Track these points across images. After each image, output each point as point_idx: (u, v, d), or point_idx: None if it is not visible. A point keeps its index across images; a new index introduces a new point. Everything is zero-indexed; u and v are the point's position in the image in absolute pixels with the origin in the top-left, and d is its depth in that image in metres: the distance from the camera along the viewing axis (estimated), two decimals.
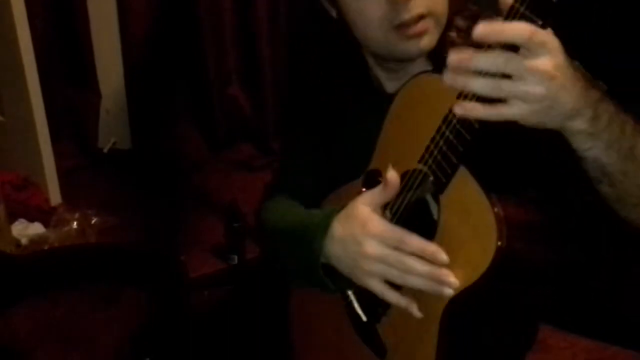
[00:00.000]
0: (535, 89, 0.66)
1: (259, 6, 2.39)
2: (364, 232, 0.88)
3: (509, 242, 0.75)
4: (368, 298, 0.96)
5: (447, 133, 0.77)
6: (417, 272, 0.83)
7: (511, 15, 0.66)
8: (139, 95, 2.47)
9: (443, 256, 0.81)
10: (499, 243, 0.75)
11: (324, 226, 0.94)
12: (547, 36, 0.66)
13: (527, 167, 0.83)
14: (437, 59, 0.96)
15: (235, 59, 2.47)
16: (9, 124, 2.19)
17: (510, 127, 0.74)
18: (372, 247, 0.87)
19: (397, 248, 0.85)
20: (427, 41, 0.92)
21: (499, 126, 0.71)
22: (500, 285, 0.79)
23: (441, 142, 0.78)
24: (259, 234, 1.25)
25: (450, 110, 0.75)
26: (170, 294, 1.75)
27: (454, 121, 0.76)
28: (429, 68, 0.97)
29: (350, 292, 1.01)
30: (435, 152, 0.80)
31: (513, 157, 0.80)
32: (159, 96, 2.46)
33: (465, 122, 0.74)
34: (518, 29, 0.64)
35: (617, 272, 1.25)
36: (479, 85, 0.67)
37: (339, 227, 0.92)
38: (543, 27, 0.65)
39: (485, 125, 0.72)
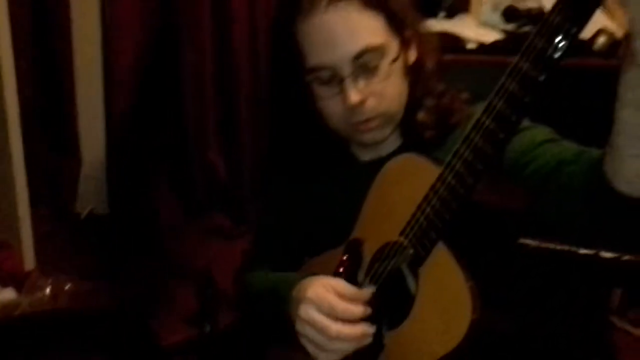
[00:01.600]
0: None
1: (241, 70, 2.49)
2: (304, 295, 0.95)
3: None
4: None
5: (428, 210, 0.84)
6: (343, 338, 0.91)
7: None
8: (119, 162, 2.51)
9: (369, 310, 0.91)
10: (473, 315, 0.80)
11: (293, 282, 1.01)
12: None
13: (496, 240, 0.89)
14: (407, 134, 1.07)
15: (214, 125, 2.55)
16: None
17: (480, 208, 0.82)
18: (304, 311, 0.94)
19: (329, 315, 0.92)
20: (380, 134, 1.05)
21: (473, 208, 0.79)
22: (474, 355, 0.85)
23: (422, 218, 0.85)
24: (238, 299, 1.30)
25: (432, 189, 0.83)
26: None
27: (434, 200, 0.83)
28: (400, 141, 1.08)
29: None
30: (416, 227, 0.87)
31: (485, 234, 0.87)
32: (139, 162, 2.51)
33: (445, 203, 0.81)
34: None
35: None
36: None
37: (298, 289, 0.99)
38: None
39: (463, 205, 0.80)
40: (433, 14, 2.06)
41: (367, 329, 0.93)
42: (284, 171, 1.22)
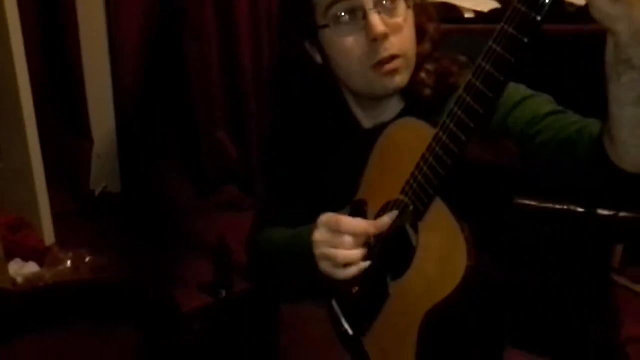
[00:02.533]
0: None
1: (244, 54, 2.54)
2: (316, 224, 1.04)
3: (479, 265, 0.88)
4: (353, 312, 1.09)
5: (425, 168, 0.91)
6: (347, 247, 0.99)
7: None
8: (129, 141, 2.58)
9: (372, 229, 0.99)
10: (469, 262, 0.87)
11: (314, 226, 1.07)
12: None
13: (491, 195, 0.96)
14: (409, 97, 1.11)
15: (222, 104, 2.61)
16: (7, 169, 2.29)
17: (478, 165, 0.89)
18: (317, 234, 1.03)
19: (336, 231, 1.01)
20: (400, 79, 1.07)
21: (468, 165, 0.85)
22: (471, 303, 0.92)
23: (419, 176, 0.92)
24: (250, 261, 1.34)
25: (428, 149, 0.90)
26: (163, 328, 1.83)
27: (430, 159, 0.90)
28: (402, 105, 1.13)
29: (335, 304, 1.13)
30: (415, 185, 0.93)
31: (480, 189, 0.94)
32: (149, 142, 2.58)
33: (440, 160, 0.88)
34: None
35: (580, 295, 1.37)
36: None
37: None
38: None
39: (457, 162, 0.86)
40: None
41: (369, 227, 1.00)
42: (289, 139, 1.26)
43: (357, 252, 1.01)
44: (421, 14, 1.11)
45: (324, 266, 1.03)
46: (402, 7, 1.05)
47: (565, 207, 1.29)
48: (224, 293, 2.07)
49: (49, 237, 2.24)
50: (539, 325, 1.27)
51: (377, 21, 1.01)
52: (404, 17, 1.05)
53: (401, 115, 1.11)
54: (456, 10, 1.96)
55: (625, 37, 0.72)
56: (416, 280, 0.96)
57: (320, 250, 1.03)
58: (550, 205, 1.30)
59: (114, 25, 2.47)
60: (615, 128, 0.79)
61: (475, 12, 1.95)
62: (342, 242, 1.00)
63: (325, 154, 1.21)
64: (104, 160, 2.60)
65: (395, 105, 1.13)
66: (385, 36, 1.02)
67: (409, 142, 0.98)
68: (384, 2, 1.03)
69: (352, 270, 1.02)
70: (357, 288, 1.08)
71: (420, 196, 0.93)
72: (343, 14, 1.04)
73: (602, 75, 0.78)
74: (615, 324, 1.47)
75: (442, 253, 0.91)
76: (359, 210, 1.08)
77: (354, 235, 1.00)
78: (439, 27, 1.14)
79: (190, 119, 2.59)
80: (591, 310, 1.37)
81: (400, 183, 0.97)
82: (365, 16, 1.02)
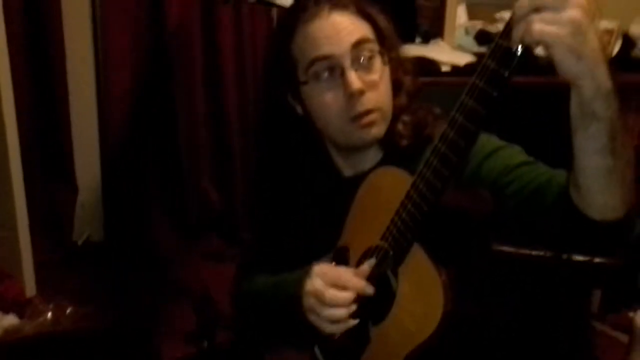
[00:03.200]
0: (574, 12, 0.73)
1: (230, 105, 2.61)
2: (311, 274, 1.05)
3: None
4: (335, 357, 1.10)
5: (404, 215, 0.94)
6: (337, 303, 1.01)
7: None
8: (114, 190, 2.60)
9: (369, 290, 1.01)
10: (445, 308, 0.90)
11: (304, 274, 1.08)
12: None
13: (467, 240, 0.99)
14: (387, 147, 1.15)
15: (207, 154, 2.65)
16: None
17: (454, 212, 0.92)
18: (310, 284, 1.04)
19: (333, 284, 1.02)
20: (376, 131, 1.11)
21: (444, 211, 0.89)
22: (450, 345, 0.94)
23: (399, 223, 0.95)
24: (234, 307, 1.36)
25: (406, 196, 0.93)
26: None
27: (409, 205, 0.93)
28: (381, 155, 1.16)
29: (317, 351, 1.14)
30: (394, 231, 0.96)
31: (456, 234, 0.97)
32: (134, 189, 2.59)
33: (417, 206, 0.92)
34: None
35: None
36: None
37: (306, 271, 1.08)
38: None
39: (434, 208, 0.90)
40: (410, 40, 2.18)
41: (367, 287, 1.02)
42: (272, 187, 1.29)
43: (345, 312, 1.02)
44: (398, 67, 1.16)
45: (312, 318, 1.05)
46: (378, 64, 1.10)
47: (541, 253, 1.32)
48: (206, 343, 2.06)
49: (30, 288, 2.22)
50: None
51: (353, 78, 1.06)
52: (379, 73, 1.10)
53: (380, 164, 1.14)
54: (434, 64, 2.04)
55: (589, 92, 0.76)
56: (396, 325, 0.98)
57: (310, 303, 1.04)
58: (526, 252, 1.34)
59: (103, 73, 2.52)
60: (581, 177, 0.83)
61: (452, 65, 2.02)
62: (334, 298, 1.02)
63: (307, 201, 1.24)
64: (87, 209, 2.60)
65: (374, 155, 1.17)
66: (361, 92, 1.07)
67: (388, 189, 1.01)
68: (361, 60, 1.08)
69: (340, 327, 1.04)
70: (338, 334, 1.10)
71: (400, 242, 0.96)
72: (323, 71, 1.09)
73: (568, 127, 0.82)
74: None
75: (420, 298, 0.93)
76: (341, 257, 1.10)
77: (347, 288, 1.02)
78: (416, 80, 1.19)
79: (176, 168, 2.62)
80: (570, 355, 1.39)
81: (381, 229, 1.00)
82: (343, 73, 1.07)
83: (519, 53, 0.78)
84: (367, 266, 1.02)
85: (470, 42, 2.28)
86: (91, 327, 2.07)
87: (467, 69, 1.99)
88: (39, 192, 2.47)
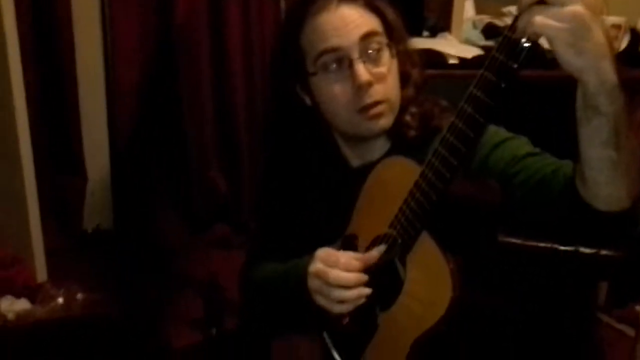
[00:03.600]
0: (577, 7, 0.74)
1: (237, 94, 2.62)
2: (314, 258, 1.08)
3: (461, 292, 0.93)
4: (344, 343, 1.13)
5: (412, 204, 0.96)
6: (341, 283, 1.03)
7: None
8: (123, 179, 2.62)
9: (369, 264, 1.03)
10: (453, 293, 0.92)
11: (309, 260, 1.11)
12: None
13: (475, 229, 1.01)
14: (394, 138, 1.18)
15: (214, 143, 2.67)
16: (1, 205, 2.31)
17: (462, 201, 0.95)
18: (313, 267, 1.07)
19: (334, 266, 1.05)
20: (384, 122, 1.13)
21: (452, 200, 0.91)
22: (456, 332, 0.97)
23: (407, 211, 0.98)
24: (243, 296, 1.39)
25: (415, 185, 0.95)
26: None
27: (417, 194, 0.96)
28: (388, 145, 1.19)
29: (326, 336, 1.16)
30: (403, 219, 0.99)
31: (464, 223, 0.99)
32: (143, 180, 2.62)
33: (426, 195, 0.94)
34: None
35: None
36: None
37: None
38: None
39: (442, 197, 0.92)
40: (417, 33, 2.19)
41: (362, 275, 1.04)
42: (280, 177, 1.31)
43: (353, 292, 1.04)
44: (406, 59, 1.18)
45: (319, 300, 1.07)
46: (386, 56, 1.12)
47: (548, 245, 1.34)
48: (214, 330, 2.09)
49: (41, 273, 2.25)
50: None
51: (362, 70, 1.09)
52: (387, 66, 1.12)
53: (388, 154, 1.17)
54: (441, 57, 2.05)
55: (592, 87, 0.77)
56: (403, 311, 1.01)
57: (315, 284, 1.07)
58: (533, 243, 1.36)
59: (111, 65, 2.53)
60: (586, 168, 0.85)
61: (459, 58, 2.03)
62: (338, 278, 1.04)
63: (315, 191, 1.26)
64: (97, 198, 2.63)
65: (381, 146, 1.19)
66: (369, 84, 1.09)
67: (397, 178, 1.04)
68: (369, 52, 1.10)
69: (346, 307, 1.06)
70: (347, 319, 1.12)
71: (408, 230, 0.98)
72: (331, 63, 1.11)
73: (574, 118, 0.83)
74: None
75: (429, 284, 0.96)
76: (349, 244, 1.13)
77: (353, 271, 1.04)
78: (423, 72, 1.21)
79: (183, 157, 2.64)
80: (576, 347, 1.41)
81: (389, 217, 1.03)
82: (351, 65, 1.09)
83: (525, 45, 0.80)
84: (376, 252, 1.05)
85: (477, 36, 2.30)
86: (101, 313, 2.10)
87: (475, 62, 2.01)
88: (50, 180, 2.49)
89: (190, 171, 2.66)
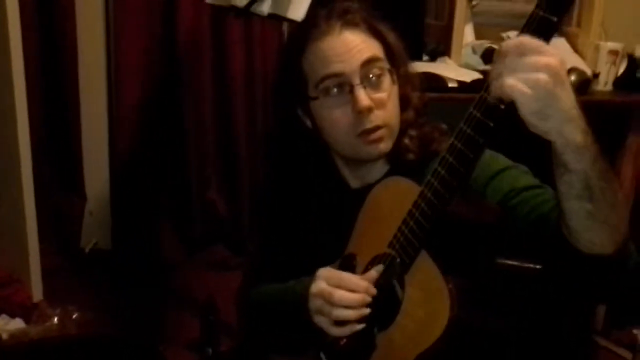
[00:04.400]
0: (541, 76, 0.77)
1: (238, 115, 2.63)
2: (315, 278, 1.07)
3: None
4: None
5: (411, 223, 0.97)
6: (343, 303, 1.02)
7: (531, 20, 0.81)
8: (122, 199, 2.62)
9: (372, 290, 1.03)
10: (451, 313, 0.92)
11: (310, 281, 1.10)
12: (556, 50, 0.79)
13: (473, 250, 1.01)
14: (393, 160, 1.18)
15: (214, 164, 2.68)
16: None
17: (461, 222, 0.95)
18: (315, 286, 1.06)
19: (337, 286, 1.04)
20: (384, 146, 1.14)
21: (451, 221, 0.92)
22: (455, 351, 0.96)
23: (406, 231, 0.98)
24: (241, 314, 1.38)
25: (414, 205, 0.96)
26: None
27: (417, 214, 0.96)
28: (387, 167, 1.19)
29: (323, 357, 1.15)
30: (402, 239, 0.99)
31: (462, 243, 0.99)
32: (142, 199, 2.62)
33: (425, 215, 0.94)
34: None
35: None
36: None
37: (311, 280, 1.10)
38: (558, 24, 0.80)
39: (441, 217, 0.93)
40: (417, 57, 2.21)
41: (366, 296, 1.03)
42: (279, 197, 1.31)
43: (354, 312, 1.04)
44: (406, 83, 1.19)
45: (319, 320, 1.07)
46: (386, 82, 1.13)
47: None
48: (210, 351, 2.07)
49: (37, 293, 2.24)
50: None
51: (362, 96, 1.09)
52: (388, 91, 1.13)
53: (386, 176, 1.16)
54: (441, 80, 2.06)
55: (558, 146, 0.81)
56: (402, 330, 1.00)
57: (316, 304, 1.06)
58: (530, 266, 1.36)
59: (114, 85, 2.55)
60: (565, 217, 0.87)
61: (458, 82, 2.05)
62: (340, 298, 1.03)
63: (314, 211, 1.26)
64: (96, 218, 2.63)
65: (380, 168, 1.20)
66: (369, 109, 1.10)
67: (396, 199, 1.04)
68: (370, 77, 1.11)
69: (345, 330, 1.05)
70: (344, 340, 1.12)
71: (407, 249, 0.98)
72: (332, 88, 1.12)
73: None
74: None
75: (427, 304, 0.95)
76: (348, 264, 1.13)
77: (356, 291, 1.04)
78: (423, 95, 1.22)
79: (183, 178, 2.65)
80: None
81: (388, 237, 1.03)
82: (352, 90, 1.10)
83: (501, 107, 0.83)
84: (374, 272, 1.05)
85: (476, 60, 2.31)
86: (97, 332, 2.09)
87: (474, 86, 2.02)
88: (48, 199, 2.49)
89: (190, 191, 2.66)
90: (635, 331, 2.13)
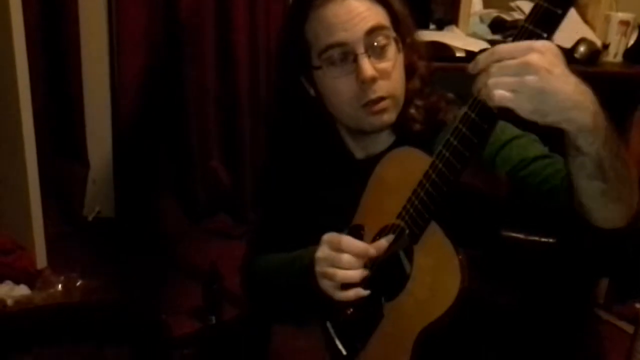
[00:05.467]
0: (526, 77, 0.76)
1: (241, 84, 2.61)
2: (321, 242, 1.07)
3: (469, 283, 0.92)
4: (347, 332, 1.12)
5: (422, 194, 0.95)
6: (346, 266, 1.03)
7: (534, 11, 0.80)
8: (125, 167, 2.61)
9: (372, 250, 1.04)
10: (462, 284, 0.91)
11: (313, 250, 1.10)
12: (535, 43, 0.78)
13: (482, 221, 1.01)
14: (399, 131, 1.17)
15: (216, 133, 2.66)
16: (2, 191, 2.31)
17: (471, 193, 0.94)
18: (320, 251, 1.06)
19: (337, 249, 1.04)
20: (388, 117, 1.12)
21: (461, 192, 0.91)
22: (463, 322, 0.96)
23: (416, 202, 0.97)
24: (245, 283, 1.37)
25: (425, 176, 0.94)
26: (152, 351, 1.83)
27: (427, 185, 0.95)
28: (393, 138, 1.18)
29: (329, 326, 1.16)
30: (411, 210, 0.98)
31: (471, 215, 0.98)
32: (144, 168, 2.61)
33: (436, 186, 0.93)
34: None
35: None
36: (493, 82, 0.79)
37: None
38: (563, 17, 0.78)
39: (452, 188, 0.91)
40: (423, 27, 2.18)
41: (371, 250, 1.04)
42: (284, 168, 1.30)
43: (356, 273, 1.04)
44: (412, 52, 1.17)
45: (324, 284, 1.07)
46: (391, 51, 1.11)
47: (549, 240, 1.34)
48: (213, 319, 2.08)
49: (41, 260, 2.25)
50: (522, 356, 1.30)
51: (366, 65, 1.07)
52: (393, 60, 1.10)
53: (392, 147, 1.15)
54: (448, 49, 2.04)
55: (571, 133, 0.81)
56: (410, 300, 1.00)
57: (321, 267, 1.06)
58: (535, 238, 1.36)
59: (116, 53, 2.53)
60: (577, 194, 0.88)
61: (466, 51, 2.02)
62: (341, 260, 1.04)
63: (319, 182, 1.25)
64: (99, 186, 2.63)
65: (386, 138, 1.19)
66: (373, 79, 1.08)
67: (406, 169, 1.03)
68: (375, 46, 1.09)
69: (350, 294, 1.05)
70: (351, 309, 1.12)
71: (417, 220, 0.97)
72: (336, 57, 1.09)
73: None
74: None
75: (437, 274, 0.95)
76: (356, 234, 1.11)
77: (353, 254, 1.04)
78: (430, 65, 1.20)
79: (185, 147, 2.64)
80: (575, 344, 1.40)
81: (397, 208, 1.02)
82: (355, 59, 1.08)
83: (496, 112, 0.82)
84: (384, 241, 1.04)
85: (484, 30, 2.28)
86: (100, 300, 2.09)
87: None
88: (51, 167, 2.49)
89: (192, 160, 2.65)
90: (637, 305, 2.14)
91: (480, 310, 1.00)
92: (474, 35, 2.24)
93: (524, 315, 1.31)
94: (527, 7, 2.24)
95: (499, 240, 1.11)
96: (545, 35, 0.79)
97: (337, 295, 1.06)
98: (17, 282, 2.15)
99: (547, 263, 1.42)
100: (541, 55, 0.77)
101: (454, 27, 2.25)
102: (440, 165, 0.93)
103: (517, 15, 2.24)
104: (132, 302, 2.09)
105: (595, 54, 2.07)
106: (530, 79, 0.76)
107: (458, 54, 2.03)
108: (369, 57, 1.08)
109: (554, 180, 0.99)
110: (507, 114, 0.81)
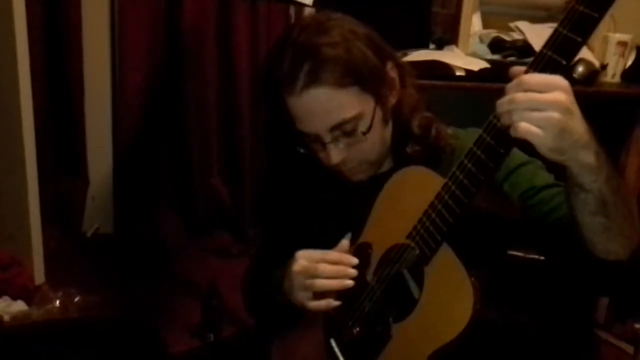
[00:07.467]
0: (553, 114, 0.79)
1: (242, 102, 2.61)
2: (295, 257, 1.09)
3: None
4: (353, 352, 1.11)
5: (434, 215, 0.96)
6: (326, 275, 1.05)
7: (538, 59, 0.81)
8: (125, 183, 2.60)
9: (352, 260, 1.07)
10: (474, 307, 0.91)
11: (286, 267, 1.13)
12: (560, 80, 0.80)
13: (492, 244, 1.02)
14: (397, 155, 1.17)
15: (217, 151, 2.66)
16: (2, 206, 2.29)
17: (481, 216, 0.95)
18: (296, 265, 1.08)
19: (314, 260, 1.07)
20: (363, 176, 1.16)
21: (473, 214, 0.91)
22: (473, 345, 0.96)
23: (428, 223, 0.97)
24: (246, 300, 1.39)
25: (437, 197, 0.95)
26: None
27: (440, 206, 0.95)
28: (393, 163, 1.18)
29: (334, 344, 1.15)
30: (422, 231, 0.98)
31: (483, 237, 0.99)
32: (144, 184, 2.60)
33: (449, 208, 0.93)
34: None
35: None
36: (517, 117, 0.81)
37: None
38: (567, 66, 0.80)
39: (466, 211, 0.92)
40: (423, 46, 2.19)
41: (347, 268, 1.07)
42: (285, 185, 1.30)
43: (333, 282, 1.06)
44: (402, 82, 1.14)
45: (299, 296, 1.09)
46: (362, 125, 1.07)
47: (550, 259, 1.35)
48: (211, 337, 2.07)
49: (39, 275, 2.23)
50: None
51: (333, 152, 1.09)
52: (366, 130, 1.08)
53: (394, 170, 1.13)
54: (448, 68, 2.05)
55: (575, 170, 0.84)
56: (421, 322, 1.00)
57: (299, 280, 1.08)
58: (534, 256, 1.37)
59: (118, 71, 2.53)
60: (580, 229, 0.92)
61: (466, 70, 2.04)
62: (318, 269, 1.06)
63: (321, 199, 1.25)
64: (98, 202, 2.61)
65: (387, 162, 1.19)
66: (342, 162, 1.10)
67: (416, 189, 1.03)
68: (342, 133, 1.07)
69: (322, 304, 1.08)
70: (357, 328, 1.11)
71: (428, 242, 0.97)
72: (308, 138, 1.11)
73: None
74: None
75: (448, 297, 0.95)
76: (363, 253, 1.12)
77: (329, 262, 1.07)
78: (420, 97, 1.17)
79: (185, 163, 2.63)
80: None
81: (406, 228, 1.02)
82: (324, 146, 1.09)
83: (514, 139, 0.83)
84: (346, 240, 1.10)
85: (484, 49, 2.30)
86: (98, 316, 2.08)
87: (482, 74, 2.01)
88: (52, 183, 2.47)
89: (192, 177, 2.64)
90: (637, 325, 2.14)
91: (486, 332, 1.01)
92: (474, 55, 2.26)
93: (524, 336, 1.32)
94: (526, 27, 2.27)
95: (501, 259, 1.12)
96: (564, 62, 0.80)
97: (309, 305, 1.08)
98: (14, 297, 2.13)
99: (547, 284, 1.43)
100: (567, 94, 0.80)
101: (453, 47, 2.27)
102: (453, 188, 0.93)
103: (516, 36, 2.26)
104: (130, 319, 2.08)
105: (593, 74, 2.09)
106: (556, 116, 0.79)
107: (458, 73, 2.04)
108: (337, 142, 1.08)
109: (560, 212, 1.02)
110: (522, 141, 0.82)
